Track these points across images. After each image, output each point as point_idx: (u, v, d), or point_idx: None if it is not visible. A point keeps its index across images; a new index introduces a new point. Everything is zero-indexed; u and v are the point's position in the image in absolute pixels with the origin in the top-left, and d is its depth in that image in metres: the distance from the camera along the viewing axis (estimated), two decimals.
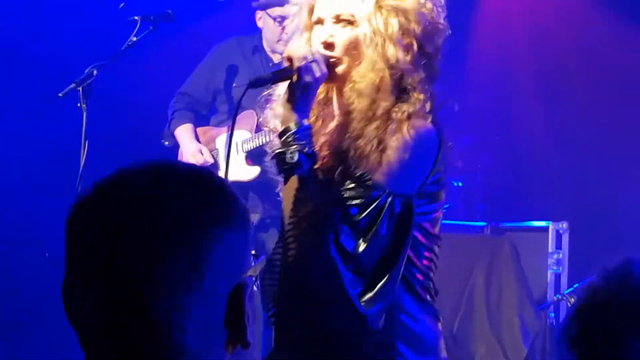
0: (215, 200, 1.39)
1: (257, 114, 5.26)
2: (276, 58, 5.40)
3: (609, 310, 1.53)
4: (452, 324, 5.59)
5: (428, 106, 2.64)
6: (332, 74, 2.67)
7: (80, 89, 4.86)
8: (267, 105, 2.84)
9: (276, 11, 5.33)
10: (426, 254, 2.70)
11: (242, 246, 1.41)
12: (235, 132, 5.34)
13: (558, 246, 5.60)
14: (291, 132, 2.59)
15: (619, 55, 6.57)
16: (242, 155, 5.30)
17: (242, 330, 1.38)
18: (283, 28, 5.26)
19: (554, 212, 5.93)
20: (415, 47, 2.63)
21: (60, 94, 4.96)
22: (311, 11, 2.74)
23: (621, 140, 6.55)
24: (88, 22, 6.34)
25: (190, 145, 5.41)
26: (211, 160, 5.38)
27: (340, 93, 2.72)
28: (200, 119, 5.56)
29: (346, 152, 2.63)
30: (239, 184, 5.16)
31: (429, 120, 2.64)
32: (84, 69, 4.94)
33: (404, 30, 2.62)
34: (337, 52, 2.67)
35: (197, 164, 5.33)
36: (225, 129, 5.40)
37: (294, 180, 2.65)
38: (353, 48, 2.65)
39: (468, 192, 6.59)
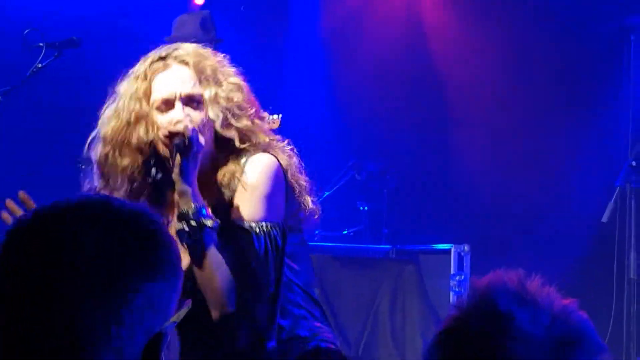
0: (144, 249, 1.40)
1: None
2: None
3: (464, 338, 1.48)
4: (358, 345, 5.70)
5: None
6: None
7: None
8: None
9: None
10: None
11: (167, 296, 1.41)
12: None
13: (460, 268, 5.71)
14: (195, 210, 2.66)
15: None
16: None
17: None
18: None
19: (456, 236, 6.06)
20: (250, 109, 2.82)
21: None
22: (146, 95, 2.78)
23: (517, 166, 6.74)
24: None
25: None
26: None
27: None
28: None
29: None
30: None
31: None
32: None
33: (244, 100, 2.82)
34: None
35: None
36: None
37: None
38: (203, 126, 2.76)
39: (373, 216, 6.73)
